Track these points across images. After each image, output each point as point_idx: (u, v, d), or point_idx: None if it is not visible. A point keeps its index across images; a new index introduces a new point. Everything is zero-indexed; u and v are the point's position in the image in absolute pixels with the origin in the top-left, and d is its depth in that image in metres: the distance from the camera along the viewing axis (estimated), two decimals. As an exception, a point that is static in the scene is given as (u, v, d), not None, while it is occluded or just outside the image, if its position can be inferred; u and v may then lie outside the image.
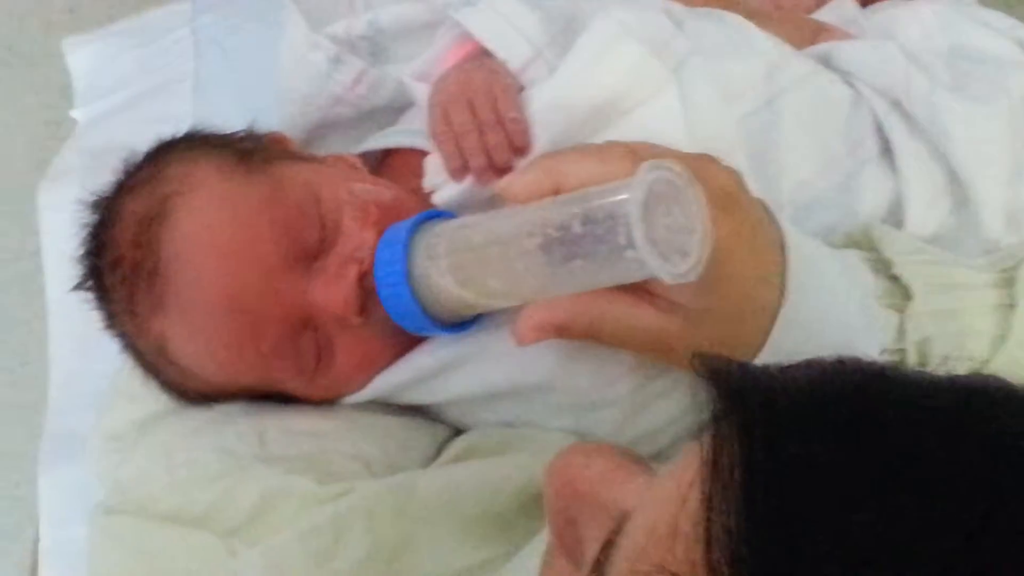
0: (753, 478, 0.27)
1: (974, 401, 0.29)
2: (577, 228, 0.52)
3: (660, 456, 0.66)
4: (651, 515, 0.31)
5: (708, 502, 0.27)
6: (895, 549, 0.25)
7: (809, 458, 0.27)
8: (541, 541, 0.58)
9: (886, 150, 0.71)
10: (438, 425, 0.71)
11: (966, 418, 0.29)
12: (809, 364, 0.31)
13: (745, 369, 0.31)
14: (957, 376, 0.31)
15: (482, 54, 0.68)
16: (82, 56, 0.96)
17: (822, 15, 0.84)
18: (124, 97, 0.93)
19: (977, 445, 0.27)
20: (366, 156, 0.75)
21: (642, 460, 0.38)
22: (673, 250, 0.50)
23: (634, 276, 0.52)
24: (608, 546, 0.32)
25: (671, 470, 0.32)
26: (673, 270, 0.50)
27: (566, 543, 0.39)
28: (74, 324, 0.86)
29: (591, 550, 0.35)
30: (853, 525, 0.25)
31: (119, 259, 0.65)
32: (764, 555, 0.26)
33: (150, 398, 0.70)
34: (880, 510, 0.26)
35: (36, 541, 0.86)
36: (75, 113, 0.94)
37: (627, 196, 0.49)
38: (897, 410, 0.29)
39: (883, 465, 0.27)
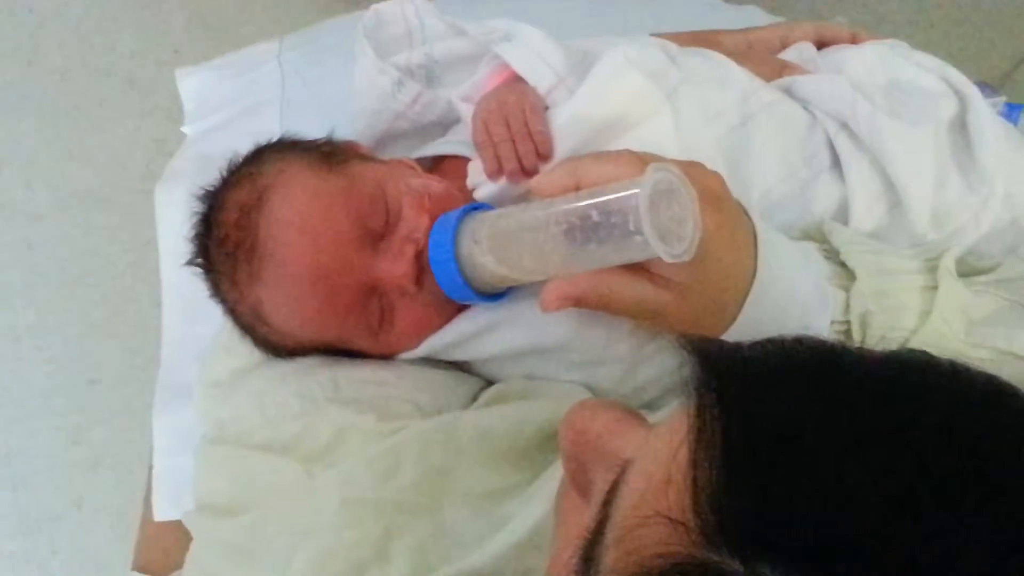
0: (729, 437, 0.27)
1: (906, 372, 0.30)
2: (595, 217, 0.52)
3: (653, 405, 0.67)
4: (649, 465, 0.31)
5: (694, 458, 0.28)
6: (844, 492, 0.25)
7: (774, 419, 0.27)
8: (557, 468, 0.58)
9: (836, 162, 0.71)
10: (474, 377, 0.71)
11: (899, 385, 0.29)
12: (774, 341, 0.31)
13: (722, 346, 0.31)
14: (892, 352, 0.31)
15: (516, 80, 0.68)
16: (191, 84, 0.97)
17: (786, 55, 0.84)
18: (224, 116, 0.93)
19: (909, 406, 0.28)
20: (420, 161, 0.76)
21: (639, 414, 0.38)
22: (672, 236, 0.51)
23: (640, 256, 0.53)
24: (614, 488, 0.33)
25: (665, 426, 0.32)
26: (672, 252, 0.50)
27: (577, 482, 0.39)
28: (182, 296, 0.86)
29: (599, 491, 0.35)
30: (810, 472, 0.26)
31: (224, 239, 0.66)
32: (739, 500, 0.26)
33: (245, 352, 0.71)
34: (831, 459, 0.26)
35: (150, 468, 0.87)
36: (185, 129, 0.94)
37: (637, 191, 0.50)
38: (846, 379, 0.29)
39: (834, 423, 0.27)
